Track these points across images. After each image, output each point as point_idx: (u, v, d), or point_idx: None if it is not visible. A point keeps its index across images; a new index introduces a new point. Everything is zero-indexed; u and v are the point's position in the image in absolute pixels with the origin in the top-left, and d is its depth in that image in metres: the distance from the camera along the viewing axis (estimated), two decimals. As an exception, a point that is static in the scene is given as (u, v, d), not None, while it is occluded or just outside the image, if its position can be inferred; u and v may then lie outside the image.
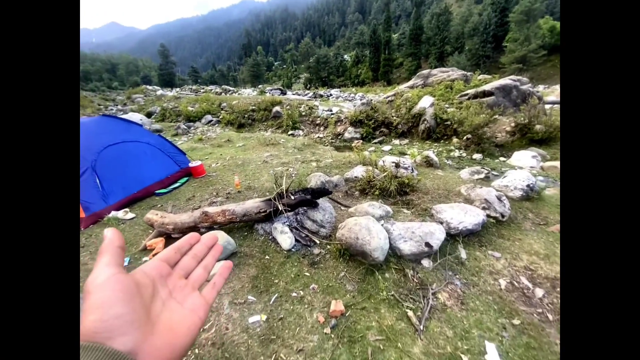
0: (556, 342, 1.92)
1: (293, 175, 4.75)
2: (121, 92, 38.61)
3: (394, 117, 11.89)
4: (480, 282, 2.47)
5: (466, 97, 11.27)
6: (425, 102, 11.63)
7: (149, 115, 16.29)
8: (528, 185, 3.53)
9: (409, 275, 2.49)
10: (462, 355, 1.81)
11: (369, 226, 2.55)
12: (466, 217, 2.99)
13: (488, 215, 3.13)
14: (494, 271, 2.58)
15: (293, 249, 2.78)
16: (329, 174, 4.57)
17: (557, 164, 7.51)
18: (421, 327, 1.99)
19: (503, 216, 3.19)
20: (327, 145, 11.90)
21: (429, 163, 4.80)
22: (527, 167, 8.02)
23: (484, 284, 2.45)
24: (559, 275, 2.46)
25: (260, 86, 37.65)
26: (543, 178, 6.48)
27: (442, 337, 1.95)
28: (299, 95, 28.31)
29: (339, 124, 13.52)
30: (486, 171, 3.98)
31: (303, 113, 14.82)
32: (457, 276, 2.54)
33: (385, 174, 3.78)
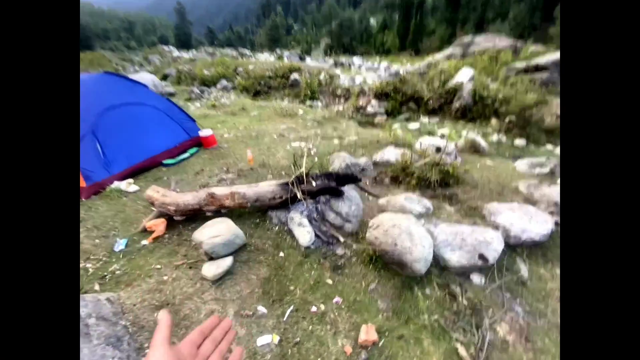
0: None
1: (313, 153, 4.18)
2: (139, 52, 37.82)
3: (425, 92, 10.62)
4: (547, 311, 1.94)
5: (514, 72, 9.73)
6: (464, 75, 10.20)
7: (164, 77, 15.72)
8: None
9: (457, 294, 1.99)
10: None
11: (410, 230, 2.01)
12: (531, 224, 2.37)
13: (557, 223, 2.48)
14: (567, 298, 2.03)
15: (312, 246, 2.33)
16: (354, 155, 3.95)
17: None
18: (478, 371, 1.54)
19: (576, 225, 2.53)
20: (349, 119, 11.02)
21: (474, 149, 4.05)
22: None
23: (552, 314, 1.92)
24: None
25: (278, 51, 35.50)
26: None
27: (504, 388, 1.49)
28: (318, 62, 26.43)
29: (361, 96, 12.39)
30: (552, 164, 3.21)
31: (323, 82, 13.69)
32: (518, 301, 2.01)
33: (425, 160, 3.12)
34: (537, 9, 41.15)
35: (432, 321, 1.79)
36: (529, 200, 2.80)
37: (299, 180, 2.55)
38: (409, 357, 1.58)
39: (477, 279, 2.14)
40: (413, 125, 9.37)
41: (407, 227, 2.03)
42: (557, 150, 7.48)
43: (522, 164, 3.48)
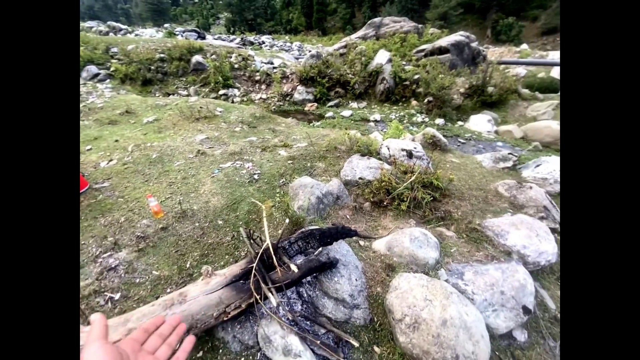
0: None
1: (255, 175, 3.00)
2: None
3: (350, 75, 10.33)
4: (595, 352, 1.69)
5: (422, 54, 10.49)
6: (382, 57, 10.35)
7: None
8: (569, 177, 2.90)
9: (520, 379, 1.49)
10: None
11: (465, 320, 1.33)
12: (541, 242, 2.10)
13: (553, 230, 2.34)
14: (597, 324, 1.85)
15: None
16: (314, 174, 3.02)
17: (510, 127, 7.77)
18: None
19: (561, 225, 2.47)
20: (276, 110, 9.71)
21: (434, 144, 3.76)
22: (485, 131, 8.14)
23: (602, 355, 1.68)
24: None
25: (166, 25, 28.78)
26: (519, 148, 6.49)
27: None
28: (223, 40, 22.84)
29: (285, 81, 11.14)
30: (514, 158, 3.19)
31: (236, 66, 11.63)
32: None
33: (411, 176, 2.51)
34: (415, -6, 47.28)
35: None
36: (515, 206, 2.63)
37: (264, 261, 1.48)
38: None
39: (520, 336, 1.71)
40: (346, 112, 9.00)
41: (460, 317, 1.33)
42: (467, 124, 8.60)
43: (486, 159, 3.39)
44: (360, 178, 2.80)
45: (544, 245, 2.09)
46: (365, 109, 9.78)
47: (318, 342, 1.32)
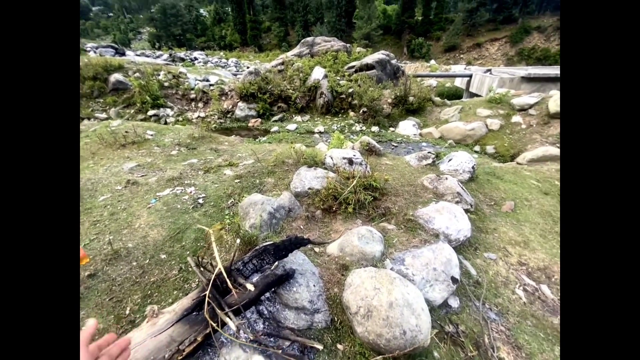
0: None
1: (200, 199, 2.85)
2: None
3: (290, 90, 10.69)
4: (505, 302, 2.14)
5: (353, 70, 11.61)
6: (318, 73, 11.05)
7: None
8: (473, 167, 3.61)
9: (457, 338, 1.79)
10: None
11: (407, 299, 1.55)
12: (459, 222, 2.58)
13: (466, 211, 2.88)
14: (504, 279, 2.34)
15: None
16: (264, 190, 3.04)
17: (430, 129, 9.16)
18: None
19: (472, 206, 3.06)
20: (217, 127, 9.29)
21: (370, 150, 4.22)
22: (412, 134, 9.39)
23: (510, 303, 2.14)
24: (544, 263, 2.51)
25: (71, 40, 24.77)
26: (439, 146, 7.65)
27: None
28: (147, 57, 20.91)
29: (224, 98, 10.82)
30: (433, 156, 3.82)
31: (166, 84, 10.80)
32: (486, 305, 2.10)
33: (353, 181, 2.78)
34: (341, 16, 52.01)
35: (466, 400, 1.47)
36: (437, 195, 3.14)
37: (219, 287, 1.45)
38: None
39: (454, 303, 2.06)
40: (291, 126, 9.23)
41: (403, 297, 1.55)
42: (397, 130, 9.80)
43: (412, 159, 3.95)
44: (309, 188, 2.95)
45: (460, 224, 2.56)
46: (309, 122, 10.21)
47: (280, 352, 1.36)
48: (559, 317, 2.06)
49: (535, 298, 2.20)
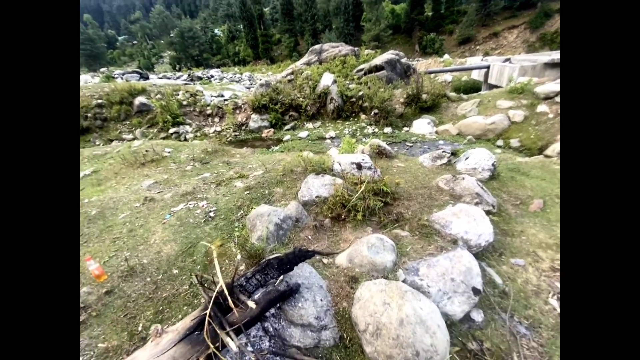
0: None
1: (211, 212, 2.91)
2: None
3: (300, 99, 10.82)
4: (537, 314, 1.91)
5: (362, 72, 11.52)
6: (327, 79, 11.10)
7: None
8: (493, 164, 3.36)
9: (481, 356, 1.61)
10: None
11: (420, 315, 1.43)
12: (479, 225, 2.38)
13: (487, 212, 2.66)
14: (535, 288, 2.10)
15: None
16: (272, 200, 3.04)
17: (446, 126, 8.77)
18: None
19: (494, 207, 2.83)
20: (232, 140, 9.61)
21: (381, 153, 4.09)
22: (427, 133, 9.04)
23: (542, 315, 1.91)
24: (583, 267, 2.23)
25: (103, 70, 27.24)
26: (457, 143, 7.29)
27: None
28: (168, 79, 22.31)
29: (238, 111, 11.20)
30: (448, 155, 3.62)
31: (184, 102, 11.40)
32: (515, 319, 1.89)
33: (361, 186, 2.69)
34: (349, 20, 52.39)
35: None
36: (454, 196, 2.95)
37: (222, 305, 1.43)
38: None
39: (477, 316, 1.87)
40: (303, 133, 9.29)
41: (415, 313, 1.43)
42: (411, 129, 9.50)
43: (426, 160, 3.76)
44: (317, 196, 2.89)
45: (481, 228, 2.36)
46: (320, 128, 10.23)
47: (286, 375, 1.29)
48: (604, 331, 1.80)
49: (575, 309, 1.95)
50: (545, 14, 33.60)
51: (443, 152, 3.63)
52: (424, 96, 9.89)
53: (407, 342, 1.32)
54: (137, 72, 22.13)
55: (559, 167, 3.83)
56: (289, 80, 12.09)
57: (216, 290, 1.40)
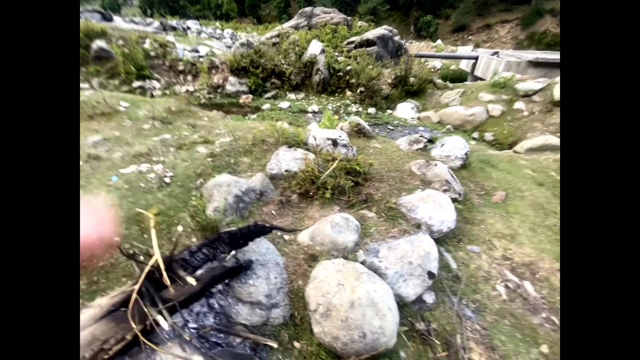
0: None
1: (167, 178, 2.62)
2: None
3: (285, 65, 10.06)
4: (484, 299, 2.02)
5: (352, 45, 10.89)
6: (315, 48, 10.37)
7: None
8: (466, 153, 3.38)
9: (427, 337, 1.66)
10: None
11: (372, 298, 1.39)
12: (443, 212, 2.39)
13: (453, 200, 2.69)
14: (485, 274, 2.21)
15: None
16: (237, 171, 2.81)
17: (428, 113, 8.78)
18: None
19: (460, 195, 2.87)
20: (207, 103, 8.82)
21: (360, 132, 3.94)
22: (410, 118, 9.01)
23: (489, 300, 2.01)
24: (529, 258, 2.38)
25: (53, 1, 22.94)
26: (436, 131, 7.32)
27: None
28: (136, 24, 19.52)
29: (214, 71, 10.20)
30: (425, 140, 3.56)
31: (152, 54, 10.10)
32: (464, 302, 1.97)
33: (333, 164, 2.54)
34: (348, -12, 48.66)
35: (427, 405, 1.36)
36: (425, 182, 2.93)
37: (154, 279, 1.26)
38: None
39: (429, 298, 1.92)
40: (284, 104, 8.78)
41: (368, 296, 1.38)
42: (395, 112, 9.39)
43: (402, 143, 3.69)
44: (286, 170, 2.72)
45: (445, 214, 2.38)
46: (304, 100, 9.73)
47: (227, 350, 1.20)
48: (539, 316, 1.95)
49: (517, 295, 2.08)
50: (537, 13, 33.87)
51: (421, 136, 3.57)
52: (412, 79, 9.69)
53: (355, 324, 1.29)
54: (99, 12, 19.00)
55: (525, 162, 3.99)
56: (274, 44, 11.11)
57: (149, 264, 1.23)
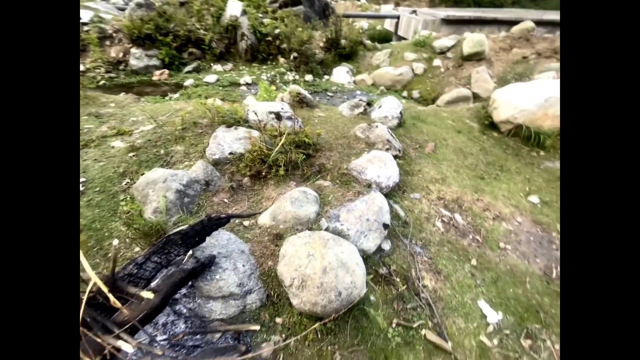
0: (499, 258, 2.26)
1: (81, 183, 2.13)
2: None
3: (201, 31, 8.63)
4: (428, 235, 2.40)
5: (277, 5, 9.93)
6: (234, 8, 9.10)
7: None
8: (400, 112, 3.65)
9: (390, 278, 1.93)
10: (485, 339, 1.69)
11: (341, 259, 1.50)
12: (388, 169, 2.63)
13: (395, 157, 2.96)
14: (426, 215, 2.59)
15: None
16: (172, 162, 2.46)
17: (362, 76, 9.02)
18: (449, 344, 1.62)
19: (400, 151, 3.17)
20: (107, 84, 7.10)
21: (301, 101, 3.81)
22: (346, 82, 9.13)
23: (431, 235, 2.40)
24: (456, 194, 2.87)
25: None
26: (372, 94, 7.59)
27: (460, 333, 1.71)
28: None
29: (108, 42, 8.13)
30: (364, 104, 3.68)
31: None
32: (413, 242, 2.31)
33: (281, 139, 2.44)
34: None
35: (396, 331, 1.63)
36: (369, 144, 3.12)
37: (101, 305, 1.09)
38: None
39: (386, 246, 2.18)
40: (211, 78, 7.73)
41: (337, 258, 1.48)
42: (332, 78, 9.34)
43: (344, 109, 3.75)
44: (230, 153, 2.50)
45: (390, 171, 2.62)
46: (233, 72, 8.74)
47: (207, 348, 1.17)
48: (467, 239, 2.44)
49: (450, 226, 2.54)
50: (444, -31, 36.17)
51: (360, 100, 3.69)
52: (343, 42, 9.60)
53: (330, 287, 1.39)
54: None
55: (445, 114, 4.58)
56: (182, 3, 9.27)
57: (86, 291, 1.03)
